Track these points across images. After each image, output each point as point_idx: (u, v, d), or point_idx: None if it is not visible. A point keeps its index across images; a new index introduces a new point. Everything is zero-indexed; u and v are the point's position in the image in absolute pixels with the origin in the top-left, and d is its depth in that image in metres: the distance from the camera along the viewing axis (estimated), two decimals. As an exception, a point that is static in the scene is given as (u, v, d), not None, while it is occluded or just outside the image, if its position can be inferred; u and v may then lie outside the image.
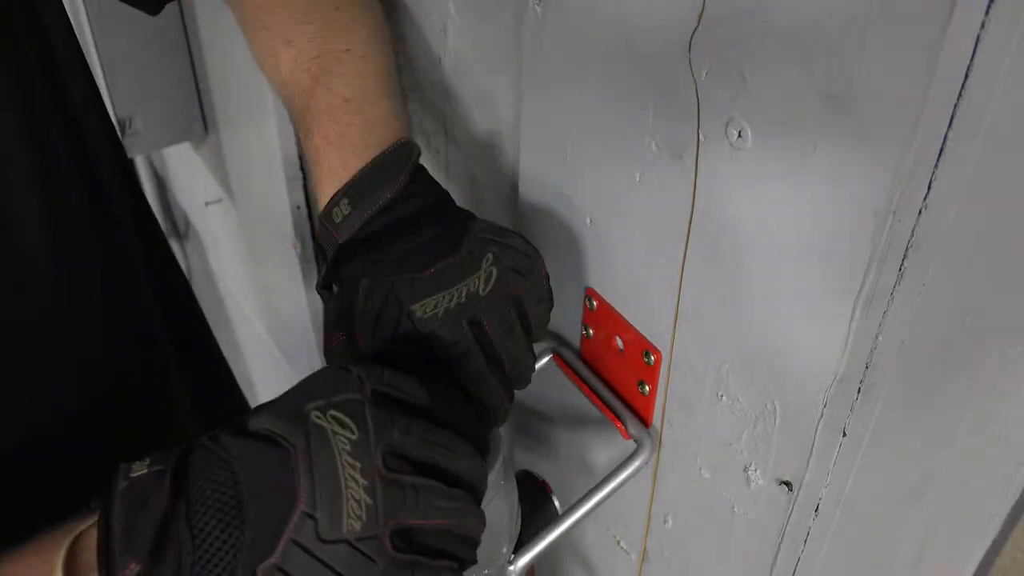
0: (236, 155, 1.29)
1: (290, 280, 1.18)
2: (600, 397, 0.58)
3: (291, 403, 0.38)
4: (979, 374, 0.52)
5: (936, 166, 0.35)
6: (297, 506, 0.35)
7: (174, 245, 1.68)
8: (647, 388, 0.54)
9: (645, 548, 0.62)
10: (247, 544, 0.35)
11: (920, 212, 0.36)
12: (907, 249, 0.37)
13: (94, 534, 0.37)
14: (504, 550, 0.50)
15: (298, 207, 1.09)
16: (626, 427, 0.55)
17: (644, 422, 0.56)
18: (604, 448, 0.62)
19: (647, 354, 0.53)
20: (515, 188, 0.61)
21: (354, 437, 0.36)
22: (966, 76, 0.32)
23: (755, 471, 0.48)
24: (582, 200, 0.54)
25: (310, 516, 0.35)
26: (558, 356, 0.61)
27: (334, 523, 0.35)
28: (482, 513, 0.40)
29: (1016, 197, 0.41)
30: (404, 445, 0.37)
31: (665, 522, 0.59)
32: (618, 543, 0.65)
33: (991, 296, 0.46)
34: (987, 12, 0.31)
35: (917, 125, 0.33)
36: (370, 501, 0.35)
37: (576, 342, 0.61)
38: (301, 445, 0.36)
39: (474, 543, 0.40)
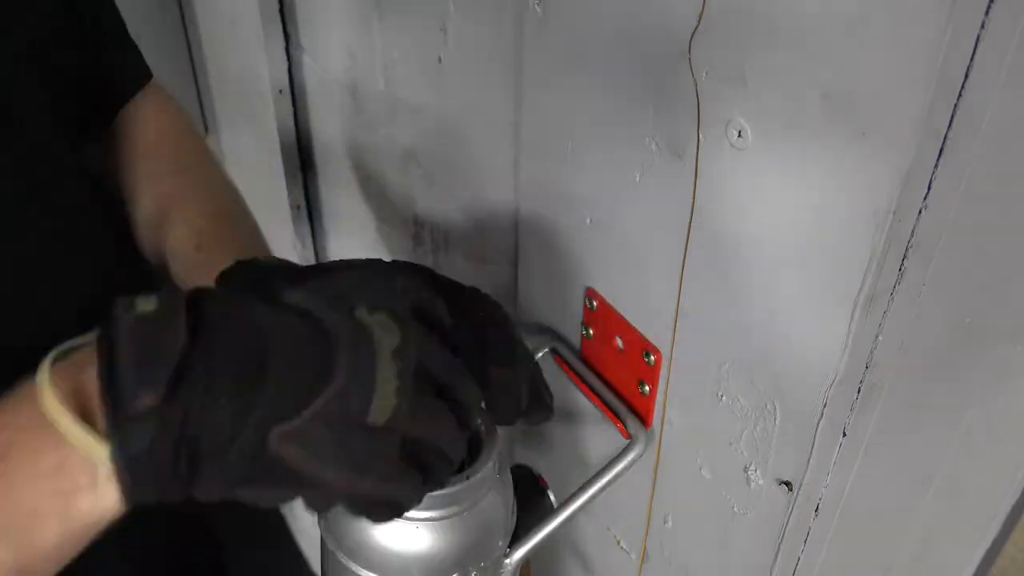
0: (236, 155, 1.29)
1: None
2: (600, 397, 0.58)
3: (330, 290, 0.39)
4: (979, 374, 0.52)
5: (936, 166, 0.35)
6: (332, 382, 0.35)
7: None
8: (647, 388, 0.54)
9: (645, 548, 0.62)
10: (264, 403, 0.34)
11: (920, 212, 0.36)
12: (907, 249, 0.37)
13: (87, 364, 0.34)
14: (499, 543, 0.50)
15: (298, 207, 1.09)
16: (626, 427, 0.55)
17: (644, 422, 0.56)
18: (602, 446, 0.62)
19: (647, 354, 0.53)
20: (515, 188, 0.61)
21: (396, 343, 0.37)
22: (966, 76, 0.32)
23: (755, 471, 0.48)
24: (582, 200, 0.54)
25: (342, 396, 0.35)
26: (558, 355, 0.61)
27: (362, 408, 0.35)
28: (465, 443, 0.42)
29: (1016, 197, 0.41)
30: (433, 365, 0.38)
31: (665, 522, 0.59)
32: (618, 543, 0.65)
33: (991, 296, 0.46)
34: (987, 12, 0.31)
35: (917, 125, 0.33)
36: (395, 402, 0.36)
37: (576, 342, 0.61)
38: (348, 333, 0.36)
39: (451, 464, 0.41)
